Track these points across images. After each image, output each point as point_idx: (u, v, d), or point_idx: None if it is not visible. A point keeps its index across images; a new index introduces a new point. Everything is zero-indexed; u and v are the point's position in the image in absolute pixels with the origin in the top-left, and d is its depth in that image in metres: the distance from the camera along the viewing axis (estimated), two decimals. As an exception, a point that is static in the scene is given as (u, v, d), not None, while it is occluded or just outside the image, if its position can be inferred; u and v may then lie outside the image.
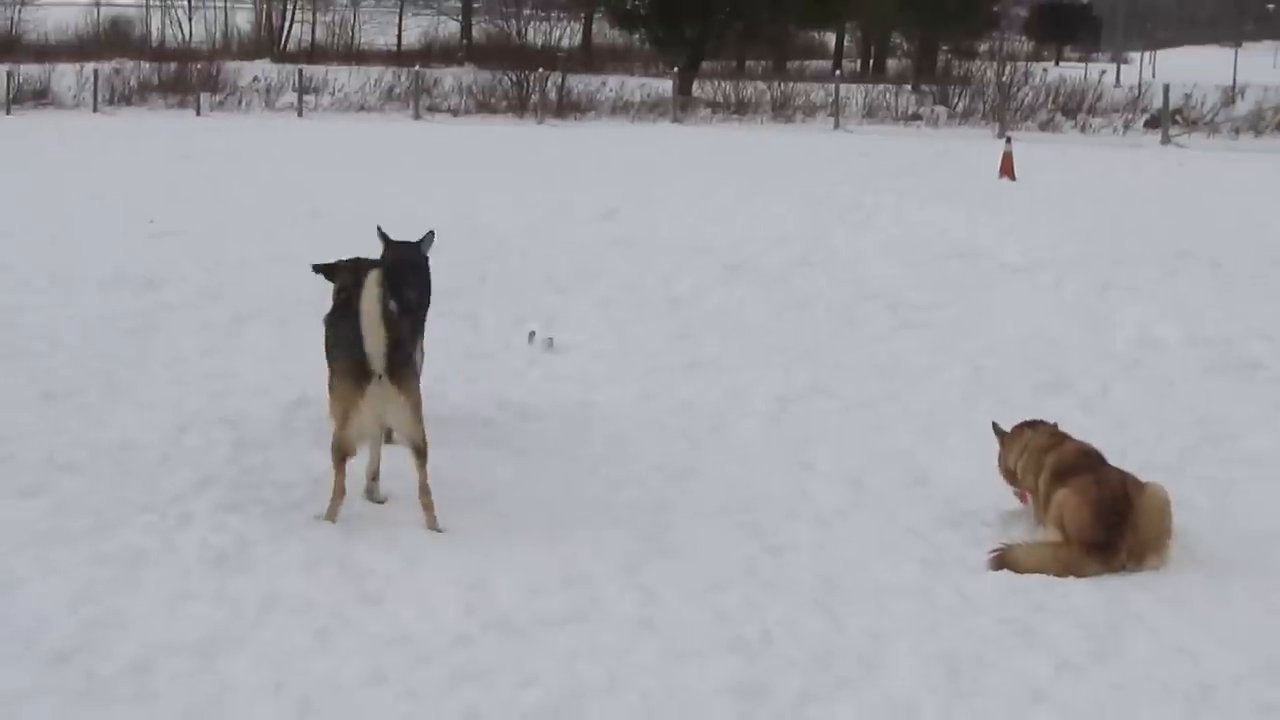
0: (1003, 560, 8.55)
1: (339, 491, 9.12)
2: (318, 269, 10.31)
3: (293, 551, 8.56)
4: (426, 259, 11.42)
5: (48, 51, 75.12)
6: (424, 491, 9.07)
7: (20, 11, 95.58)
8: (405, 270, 10.87)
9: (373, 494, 9.61)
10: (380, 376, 8.79)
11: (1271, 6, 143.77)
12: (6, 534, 8.72)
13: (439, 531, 8.95)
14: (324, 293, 10.57)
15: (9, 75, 51.67)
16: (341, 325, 9.25)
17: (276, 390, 12.17)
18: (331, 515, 9.08)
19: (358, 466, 9.47)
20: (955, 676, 7.13)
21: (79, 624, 7.48)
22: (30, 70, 55.42)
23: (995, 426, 9.84)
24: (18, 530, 8.79)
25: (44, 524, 8.92)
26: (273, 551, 8.57)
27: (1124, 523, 8.50)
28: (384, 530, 8.90)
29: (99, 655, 7.14)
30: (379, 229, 11.25)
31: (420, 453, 9.05)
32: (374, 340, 8.69)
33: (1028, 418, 9.79)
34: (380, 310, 8.67)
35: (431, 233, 11.62)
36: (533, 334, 14.05)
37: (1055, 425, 9.51)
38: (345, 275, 10.05)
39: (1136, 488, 8.70)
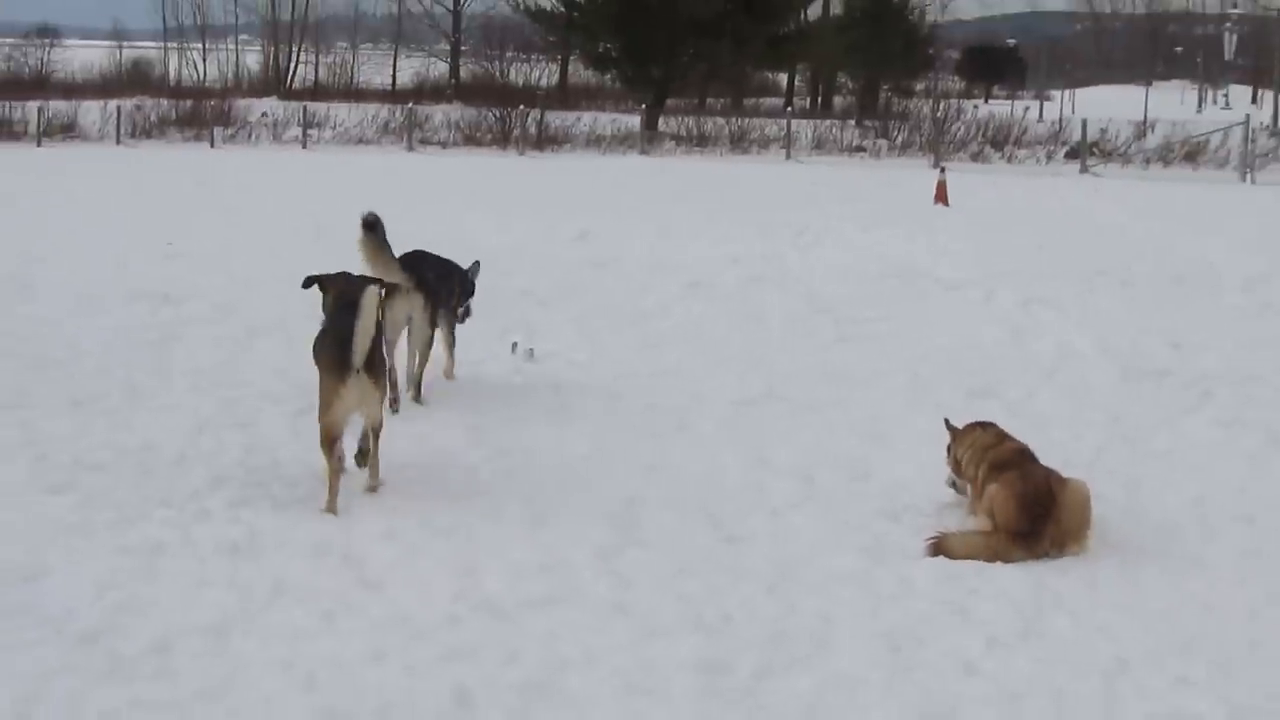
0: (938, 548, 8.56)
1: (334, 474, 9.33)
2: (310, 281, 10.46)
3: (299, 542, 8.56)
4: (460, 270, 12.91)
5: (75, 89, 75.08)
6: (374, 459, 9.73)
7: (50, 52, 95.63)
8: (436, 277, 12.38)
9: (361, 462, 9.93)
10: (359, 371, 9.22)
11: (1179, 49, 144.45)
12: (38, 527, 8.73)
13: (375, 490, 9.62)
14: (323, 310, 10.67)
15: (39, 110, 51.48)
16: (330, 329, 9.67)
17: (284, 398, 12.15)
18: (331, 500, 9.26)
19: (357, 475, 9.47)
20: (896, 653, 7.14)
21: (104, 608, 7.48)
22: (59, 106, 55.35)
23: (947, 422, 9.87)
24: (48, 524, 8.80)
25: (72, 518, 8.92)
26: (281, 542, 8.57)
27: (1047, 514, 8.54)
28: (383, 522, 8.90)
29: (122, 636, 7.13)
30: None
31: (376, 433, 9.69)
32: (362, 342, 9.12)
33: (978, 419, 9.83)
34: (374, 320, 9.19)
35: (477, 262, 13.26)
36: (515, 345, 14.05)
37: (1000, 428, 9.56)
38: (334, 285, 10.32)
39: (1059, 483, 8.74)
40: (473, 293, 13.18)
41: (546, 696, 6.61)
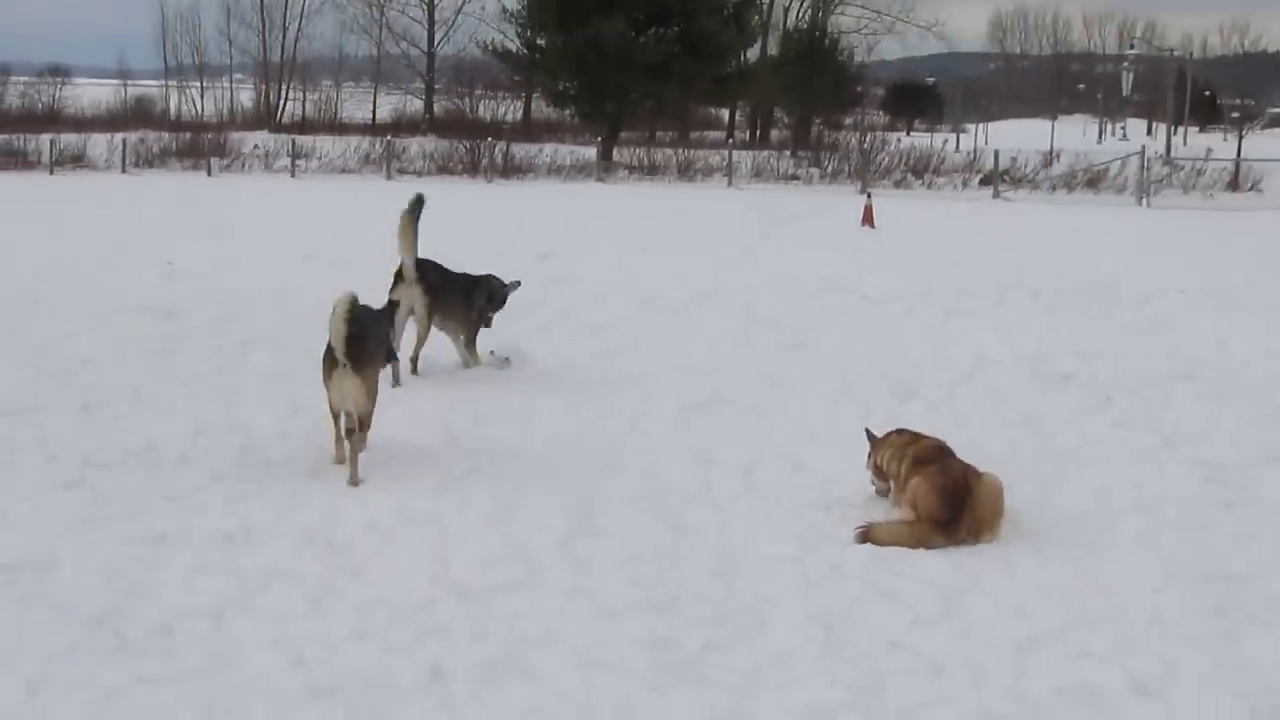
0: (866, 535, 8.57)
1: (336, 439, 10.14)
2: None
3: (289, 533, 8.54)
4: (476, 283, 14.01)
5: (84, 123, 74.70)
6: (355, 451, 9.85)
7: (60, 90, 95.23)
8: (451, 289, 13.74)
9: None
10: (344, 364, 9.76)
11: (1081, 86, 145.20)
12: (51, 521, 8.69)
13: (356, 485, 9.64)
14: (313, 322, 10.83)
15: (51, 142, 51.17)
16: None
17: (276, 403, 12.11)
18: (338, 455, 10.09)
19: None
20: (828, 630, 7.15)
21: (111, 593, 7.46)
22: (69, 138, 54.99)
23: (868, 431, 9.88)
24: (60, 517, 8.77)
25: (83, 512, 8.88)
26: (272, 533, 8.55)
27: (964, 505, 8.57)
28: (364, 515, 8.88)
29: (128, 619, 7.11)
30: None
31: (363, 425, 9.99)
32: (337, 341, 9.69)
33: (895, 426, 9.86)
34: (344, 322, 9.65)
35: (517, 281, 14.41)
36: (492, 352, 14.04)
37: (914, 431, 9.59)
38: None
39: (975, 476, 8.77)
40: (503, 304, 14.18)
41: (512, 671, 6.60)
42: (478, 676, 6.53)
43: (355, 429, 9.91)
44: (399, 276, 13.35)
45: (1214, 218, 37.43)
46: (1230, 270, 23.42)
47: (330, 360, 9.87)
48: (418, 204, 13.47)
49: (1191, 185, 48.42)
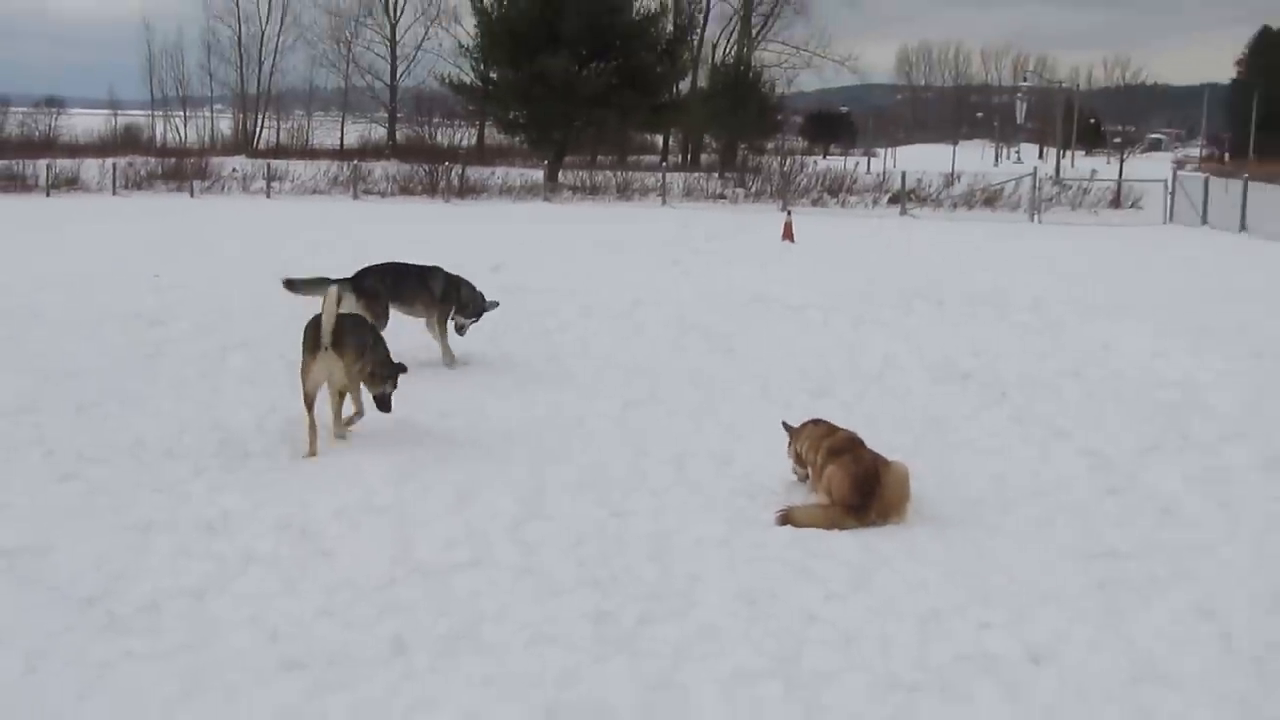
0: (786, 519, 8.61)
1: (311, 427, 10.24)
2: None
3: (265, 520, 8.50)
4: (431, 274, 14.19)
5: (78, 149, 74.05)
6: (339, 412, 10.66)
7: (56, 119, 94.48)
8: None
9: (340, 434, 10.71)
10: (326, 348, 10.18)
11: (980, 114, 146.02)
12: (48, 511, 8.66)
13: (342, 437, 10.56)
14: (286, 330, 10.92)
15: (47, 167, 50.66)
16: (312, 319, 10.48)
17: (253, 402, 12.05)
18: (312, 449, 10.20)
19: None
20: (752, 605, 7.18)
21: (102, 576, 7.43)
22: (64, 163, 54.30)
23: (784, 424, 9.93)
24: (56, 507, 8.73)
25: (77, 503, 8.85)
26: (250, 520, 8.51)
27: (874, 491, 8.63)
28: (334, 503, 8.86)
29: (118, 599, 7.08)
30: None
31: (344, 395, 10.65)
32: (327, 324, 10.14)
33: (810, 417, 9.90)
34: (334, 308, 10.22)
35: (496, 301, 14.77)
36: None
37: (830, 422, 9.63)
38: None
39: (884, 465, 8.82)
40: (478, 317, 14.49)
41: (468, 644, 6.60)
42: (437, 649, 6.53)
43: (340, 404, 10.62)
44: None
45: (1099, 232, 37.79)
46: (1113, 280, 23.66)
47: (314, 343, 10.23)
48: (291, 284, 13.17)
49: (1078, 203, 48.84)
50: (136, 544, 8.03)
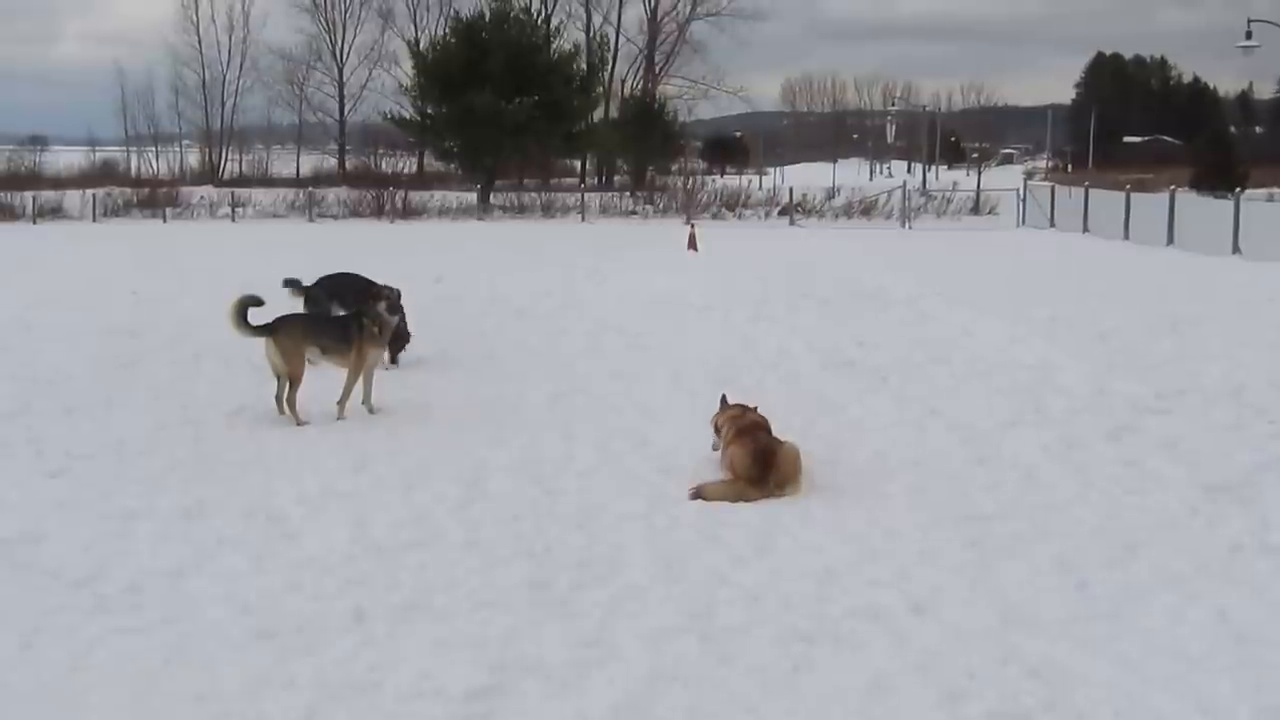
0: (697, 493, 8.63)
1: (279, 401, 11.12)
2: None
3: (235, 508, 8.41)
4: (371, 286, 13.46)
5: (61, 181, 72.42)
6: (293, 397, 11.10)
7: (40, 155, 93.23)
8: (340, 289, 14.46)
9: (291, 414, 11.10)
10: (267, 337, 11.06)
11: (856, 136, 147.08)
12: (39, 503, 8.52)
13: (302, 425, 10.88)
14: (251, 339, 10.92)
15: (33, 198, 49.80)
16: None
17: (223, 403, 11.91)
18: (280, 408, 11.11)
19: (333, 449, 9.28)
20: (669, 570, 7.17)
21: (90, 561, 7.32)
22: (48, 195, 53.20)
23: (723, 396, 10.00)
24: (47, 500, 8.61)
25: (65, 495, 8.72)
26: (221, 508, 8.41)
27: (769, 464, 8.67)
28: (297, 490, 8.78)
29: (104, 581, 6.98)
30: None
31: (291, 381, 11.17)
32: (236, 323, 11.03)
33: (741, 402, 9.84)
34: (236, 312, 11.05)
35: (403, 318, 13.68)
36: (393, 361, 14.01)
37: (755, 408, 9.61)
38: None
39: (779, 444, 8.89)
40: (391, 328, 12.16)
41: (420, 611, 6.54)
42: (393, 617, 6.46)
43: (293, 390, 11.13)
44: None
45: (961, 236, 38.20)
46: (974, 276, 23.92)
47: (263, 333, 11.09)
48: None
49: (943, 211, 49.51)
50: (120, 531, 7.92)
